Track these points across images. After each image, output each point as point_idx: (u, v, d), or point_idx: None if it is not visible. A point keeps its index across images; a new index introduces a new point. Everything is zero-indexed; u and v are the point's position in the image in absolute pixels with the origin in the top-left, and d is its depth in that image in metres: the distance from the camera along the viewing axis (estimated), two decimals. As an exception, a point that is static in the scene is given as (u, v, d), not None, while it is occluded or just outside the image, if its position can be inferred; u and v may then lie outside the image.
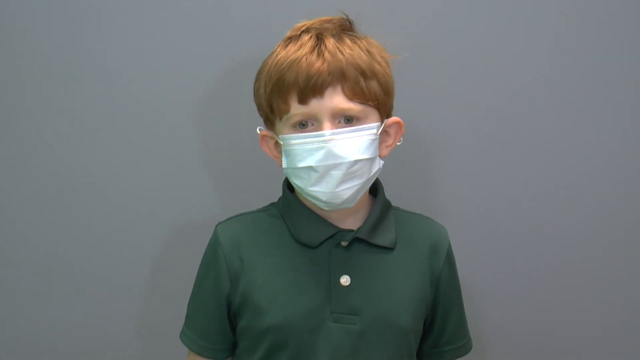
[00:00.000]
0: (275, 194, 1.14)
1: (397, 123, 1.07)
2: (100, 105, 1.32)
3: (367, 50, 1.02)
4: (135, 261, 1.37)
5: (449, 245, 1.12)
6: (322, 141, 0.98)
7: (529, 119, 1.34)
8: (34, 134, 1.33)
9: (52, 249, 1.36)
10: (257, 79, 1.06)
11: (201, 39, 1.30)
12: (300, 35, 1.02)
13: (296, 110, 1.00)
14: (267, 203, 1.15)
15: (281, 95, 1.00)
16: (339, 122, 1.00)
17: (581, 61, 1.32)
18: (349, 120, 1.00)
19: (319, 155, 0.98)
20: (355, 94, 0.99)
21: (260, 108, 1.07)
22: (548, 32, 1.32)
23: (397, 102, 1.09)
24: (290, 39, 1.03)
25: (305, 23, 1.05)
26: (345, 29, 1.05)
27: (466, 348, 1.16)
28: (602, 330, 1.40)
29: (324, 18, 1.05)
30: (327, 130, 0.98)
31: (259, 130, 1.07)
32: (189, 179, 1.35)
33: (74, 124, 1.33)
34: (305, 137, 0.99)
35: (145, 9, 1.30)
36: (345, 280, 1.04)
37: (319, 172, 0.99)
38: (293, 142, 1.00)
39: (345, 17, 1.07)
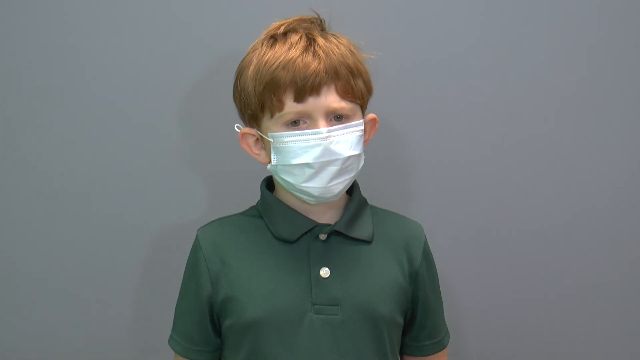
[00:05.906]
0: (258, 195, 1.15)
1: (373, 119, 1.11)
2: (86, 108, 1.31)
3: (350, 50, 1.05)
4: (126, 264, 1.36)
5: (426, 241, 1.15)
6: (319, 139, 1.01)
7: (512, 117, 1.35)
8: (23, 136, 1.32)
9: (40, 252, 1.35)
10: (241, 78, 1.07)
11: (184, 40, 1.31)
12: (286, 34, 1.05)
13: (291, 108, 1.02)
14: (251, 204, 1.16)
15: (275, 94, 1.02)
16: (330, 120, 1.03)
17: (571, 59, 1.34)
18: (338, 117, 1.04)
19: (316, 152, 1.01)
20: (347, 93, 1.03)
21: (245, 106, 1.07)
22: (533, 29, 1.33)
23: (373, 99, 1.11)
24: (275, 38, 1.05)
25: (282, 22, 1.06)
26: (321, 28, 1.07)
27: (444, 342, 1.18)
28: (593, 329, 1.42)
29: (299, 17, 1.07)
30: (324, 128, 1.01)
31: (238, 128, 1.09)
32: (178, 181, 1.35)
33: (58, 126, 1.32)
34: (300, 135, 1.02)
35: (130, 10, 1.30)
36: (324, 272, 1.06)
37: (315, 169, 1.02)
38: (287, 139, 1.02)
39: (317, 16, 1.09)
